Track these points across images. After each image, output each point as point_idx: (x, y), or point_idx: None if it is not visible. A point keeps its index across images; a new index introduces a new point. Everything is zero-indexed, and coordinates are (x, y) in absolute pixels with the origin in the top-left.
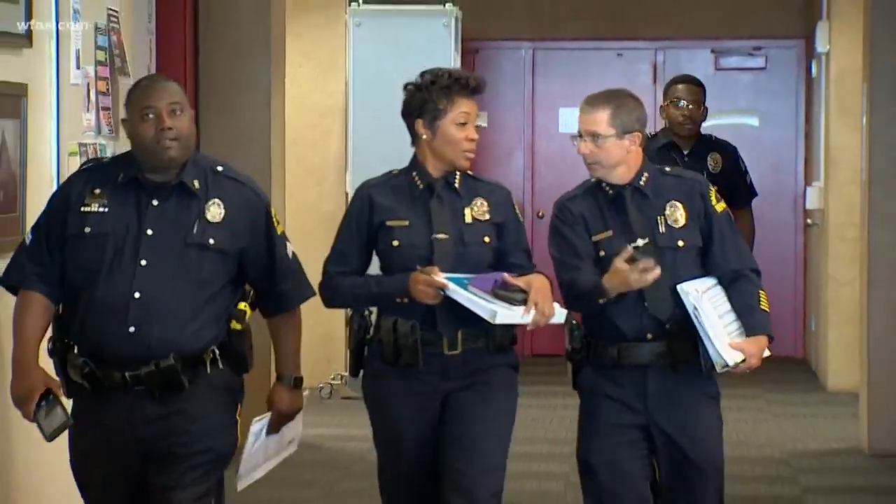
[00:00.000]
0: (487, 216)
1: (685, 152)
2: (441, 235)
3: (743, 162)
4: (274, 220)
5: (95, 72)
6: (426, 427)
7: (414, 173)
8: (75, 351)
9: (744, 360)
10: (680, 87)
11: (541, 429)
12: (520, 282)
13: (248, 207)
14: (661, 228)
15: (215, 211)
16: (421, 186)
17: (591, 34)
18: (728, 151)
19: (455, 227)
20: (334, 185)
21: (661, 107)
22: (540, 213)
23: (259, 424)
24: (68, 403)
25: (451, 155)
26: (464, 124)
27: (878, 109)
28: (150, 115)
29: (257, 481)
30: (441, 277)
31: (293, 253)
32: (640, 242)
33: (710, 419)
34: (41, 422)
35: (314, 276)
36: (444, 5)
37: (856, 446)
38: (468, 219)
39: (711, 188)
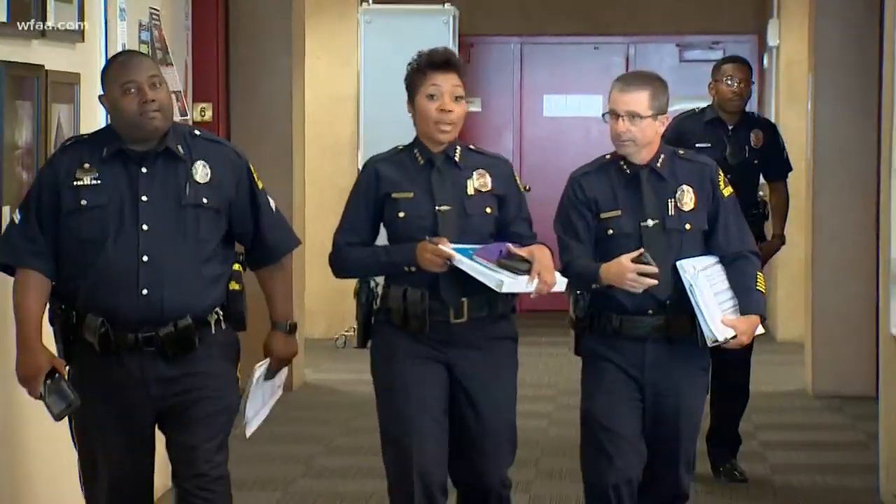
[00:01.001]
0: (489, 187)
1: (730, 128)
2: (444, 207)
3: (781, 138)
4: (255, 176)
5: None
6: (431, 385)
7: (415, 149)
8: (79, 316)
9: (734, 337)
10: (730, 66)
11: (528, 374)
12: (523, 252)
13: (231, 166)
14: (671, 210)
15: (202, 172)
16: (421, 161)
17: (571, 31)
18: (768, 128)
19: (457, 199)
20: (347, 161)
21: (709, 85)
22: (527, 187)
23: (260, 371)
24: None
25: (426, 128)
26: (433, 96)
27: (822, 96)
28: (132, 90)
29: (283, 418)
30: (448, 248)
31: (276, 207)
32: (650, 223)
33: (698, 389)
34: (47, 401)
35: (330, 241)
36: (444, 5)
37: (801, 389)
38: (470, 190)
39: (720, 173)
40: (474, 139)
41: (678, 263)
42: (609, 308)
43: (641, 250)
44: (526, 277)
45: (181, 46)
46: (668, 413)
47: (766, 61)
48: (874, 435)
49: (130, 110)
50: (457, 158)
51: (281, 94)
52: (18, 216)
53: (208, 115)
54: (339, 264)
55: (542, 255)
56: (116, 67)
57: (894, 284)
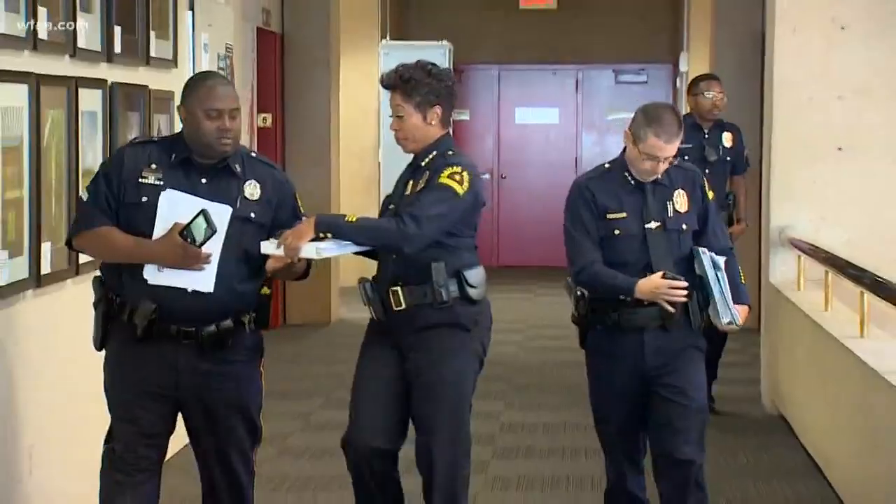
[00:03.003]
0: (420, 186)
1: (706, 131)
2: (392, 206)
3: (744, 140)
4: (298, 200)
5: None
6: (384, 366)
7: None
8: (124, 302)
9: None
10: (705, 82)
11: (502, 314)
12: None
13: (279, 187)
14: (670, 213)
15: (253, 190)
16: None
17: (535, 60)
18: (736, 131)
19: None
20: (371, 158)
21: (687, 98)
22: (503, 175)
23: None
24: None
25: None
26: (392, 116)
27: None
28: (215, 115)
29: (324, 346)
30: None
31: None
32: (653, 225)
33: (698, 367)
34: (204, 237)
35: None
36: (442, 41)
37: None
38: (408, 190)
39: (705, 179)
40: (464, 142)
41: (702, 250)
42: (610, 302)
43: (664, 272)
44: (276, 241)
45: (249, 71)
46: (676, 393)
47: (678, 83)
48: (758, 356)
49: (209, 133)
50: (423, 164)
51: (322, 108)
52: (86, 195)
53: (269, 122)
54: None
55: (298, 227)
56: (205, 91)
57: (773, 247)
